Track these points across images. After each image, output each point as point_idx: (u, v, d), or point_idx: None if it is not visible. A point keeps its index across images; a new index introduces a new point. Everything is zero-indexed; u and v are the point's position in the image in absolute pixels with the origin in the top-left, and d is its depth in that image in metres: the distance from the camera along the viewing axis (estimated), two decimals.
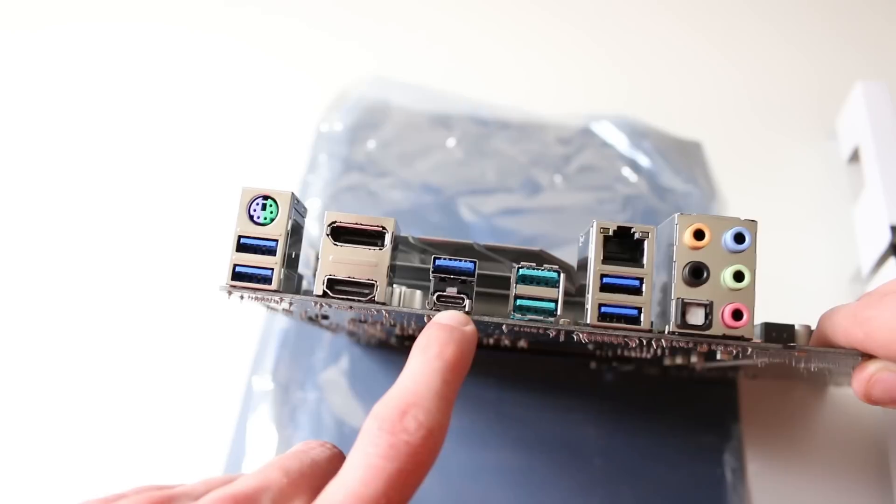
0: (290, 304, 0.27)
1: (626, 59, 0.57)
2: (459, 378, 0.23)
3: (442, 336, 0.23)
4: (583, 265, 0.26)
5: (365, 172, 0.49)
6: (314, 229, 0.44)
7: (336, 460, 0.23)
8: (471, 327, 0.24)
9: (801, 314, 0.27)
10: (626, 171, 0.49)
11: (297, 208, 0.26)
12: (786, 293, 0.39)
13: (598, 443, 0.40)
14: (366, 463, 0.20)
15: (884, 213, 0.43)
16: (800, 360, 0.27)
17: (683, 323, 0.24)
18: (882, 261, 0.43)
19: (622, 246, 0.25)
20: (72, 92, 0.54)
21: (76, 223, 0.48)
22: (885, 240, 0.42)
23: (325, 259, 0.25)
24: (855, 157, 0.49)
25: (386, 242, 0.25)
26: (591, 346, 0.33)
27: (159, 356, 0.43)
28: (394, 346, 0.42)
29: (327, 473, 0.21)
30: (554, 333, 0.26)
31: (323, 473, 0.22)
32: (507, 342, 0.36)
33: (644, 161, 0.50)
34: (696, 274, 0.24)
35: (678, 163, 0.50)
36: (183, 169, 0.50)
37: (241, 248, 0.25)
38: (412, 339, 0.38)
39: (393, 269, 0.26)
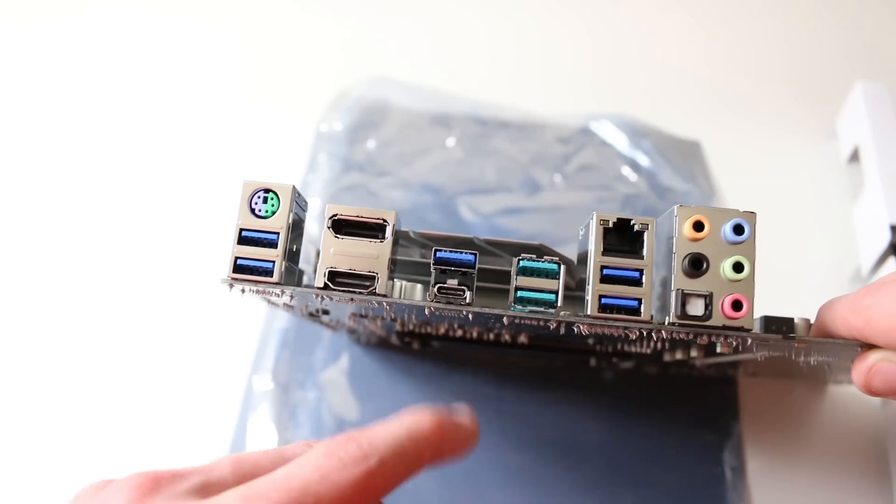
0: (291, 297, 0.27)
1: (626, 57, 0.58)
2: (429, 451, 0.23)
3: (444, 419, 0.24)
4: (583, 259, 0.26)
5: (365, 172, 0.49)
6: (314, 228, 0.44)
7: None
8: (472, 431, 0.25)
9: (801, 315, 0.27)
10: (626, 171, 0.49)
11: (299, 202, 0.27)
12: (786, 294, 0.38)
13: (598, 440, 0.40)
14: (298, 462, 0.20)
15: (884, 213, 0.43)
16: (799, 351, 0.27)
17: (683, 314, 0.24)
18: (882, 260, 0.43)
19: (622, 238, 0.25)
20: (72, 88, 0.54)
21: (77, 220, 0.48)
22: (885, 239, 0.43)
23: (326, 251, 0.25)
24: (855, 157, 0.49)
25: (387, 235, 0.25)
26: (591, 340, 0.33)
27: (160, 355, 0.43)
28: (394, 344, 0.42)
29: None
30: (554, 325, 0.26)
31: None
32: (507, 337, 0.36)
33: (644, 160, 0.50)
34: (696, 265, 0.24)
35: (678, 162, 0.50)
36: (183, 169, 0.51)
37: (243, 240, 0.25)
38: (412, 335, 0.39)
39: (394, 262, 0.26)
